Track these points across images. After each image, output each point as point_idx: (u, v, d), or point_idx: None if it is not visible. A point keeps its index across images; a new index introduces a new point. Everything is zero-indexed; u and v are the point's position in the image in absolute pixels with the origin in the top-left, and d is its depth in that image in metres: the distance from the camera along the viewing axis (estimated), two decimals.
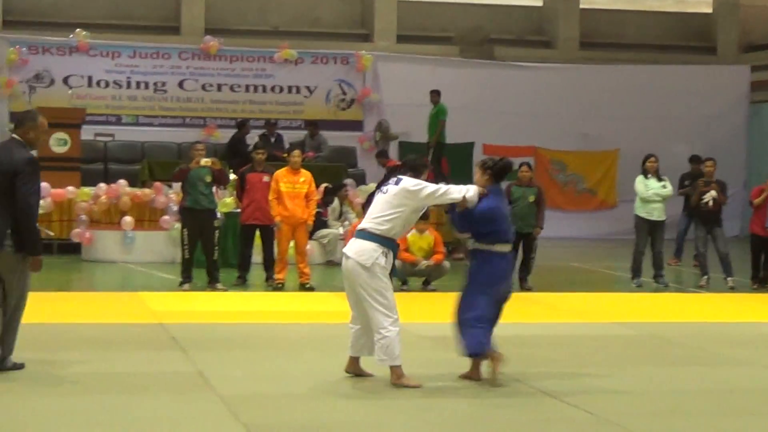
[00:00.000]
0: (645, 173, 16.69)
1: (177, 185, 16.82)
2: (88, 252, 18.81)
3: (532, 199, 15.89)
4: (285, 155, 16.70)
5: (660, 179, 16.66)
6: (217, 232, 15.25)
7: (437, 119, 22.79)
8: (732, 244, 17.51)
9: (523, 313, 13.83)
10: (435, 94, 23.08)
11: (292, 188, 15.32)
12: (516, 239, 15.84)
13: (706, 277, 16.85)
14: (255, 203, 15.74)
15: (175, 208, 17.79)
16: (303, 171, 15.59)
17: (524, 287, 15.89)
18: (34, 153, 9.29)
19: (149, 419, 7.83)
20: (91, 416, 7.87)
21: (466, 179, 25.02)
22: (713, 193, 16.60)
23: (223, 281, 15.26)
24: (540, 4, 28.86)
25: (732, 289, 16.46)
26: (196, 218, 14.98)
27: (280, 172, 15.47)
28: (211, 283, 15.08)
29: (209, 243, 15.05)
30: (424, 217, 16.09)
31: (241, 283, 15.90)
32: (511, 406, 8.42)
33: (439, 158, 22.90)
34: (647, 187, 16.56)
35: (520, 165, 16.27)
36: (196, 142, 16.95)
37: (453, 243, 20.08)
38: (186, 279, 15.04)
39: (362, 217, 16.06)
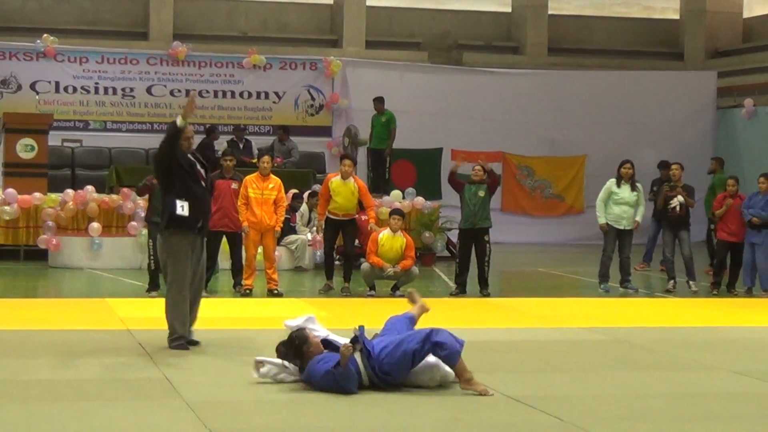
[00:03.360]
0: (618, 179, 16.70)
1: None
2: (55, 258, 18.71)
3: (482, 193, 15.80)
4: (254, 161, 16.64)
5: (634, 188, 16.64)
6: None
7: (389, 127, 22.70)
8: (698, 249, 17.58)
9: (490, 318, 13.89)
10: (379, 102, 22.97)
11: (261, 195, 15.29)
12: (468, 241, 15.94)
13: (673, 281, 16.92)
14: (223, 210, 15.64)
15: (143, 214, 17.72)
16: (272, 177, 15.56)
17: (483, 293, 15.84)
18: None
19: (116, 426, 7.80)
20: (58, 423, 7.84)
21: (434, 185, 25.17)
22: (680, 198, 16.67)
23: None
24: (508, 10, 28.97)
25: (695, 294, 16.55)
26: None
27: (250, 178, 15.44)
28: None
29: None
30: (401, 213, 16.09)
31: (205, 288, 15.81)
32: (477, 410, 8.43)
33: (390, 166, 22.86)
34: (609, 197, 16.54)
35: (474, 167, 16.38)
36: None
37: (422, 250, 20.13)
38: (153, 288, 14.97)
39: None
